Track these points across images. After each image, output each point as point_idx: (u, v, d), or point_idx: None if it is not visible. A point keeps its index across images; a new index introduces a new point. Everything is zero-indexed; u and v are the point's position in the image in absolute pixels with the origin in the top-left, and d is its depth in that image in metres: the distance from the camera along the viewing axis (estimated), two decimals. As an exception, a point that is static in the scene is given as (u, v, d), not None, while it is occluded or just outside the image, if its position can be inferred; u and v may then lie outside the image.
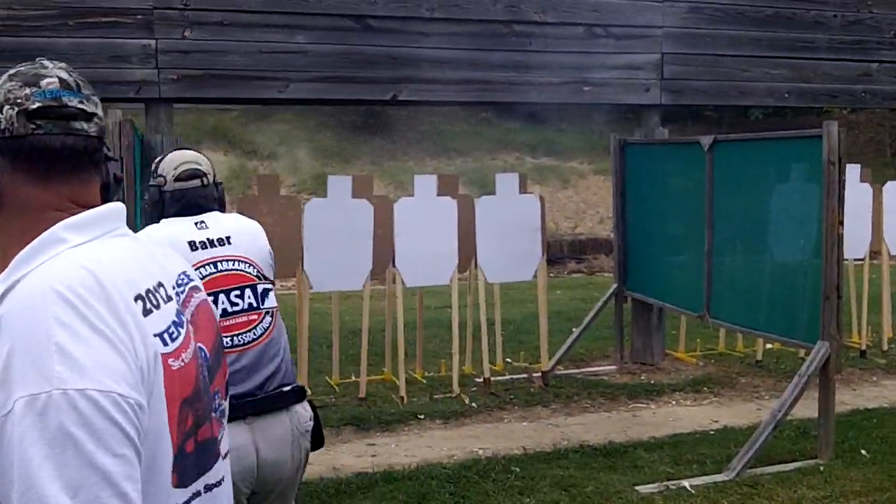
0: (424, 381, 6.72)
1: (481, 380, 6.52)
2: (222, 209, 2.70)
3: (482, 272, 6.48)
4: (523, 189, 6.75)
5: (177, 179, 2.61)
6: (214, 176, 2.69)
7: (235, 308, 2.55)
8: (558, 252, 14.09)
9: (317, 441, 2.69)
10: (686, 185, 6.42)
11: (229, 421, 2.26)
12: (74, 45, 5.75)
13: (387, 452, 5.24)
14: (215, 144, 18.04)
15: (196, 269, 2.37)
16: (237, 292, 2.55)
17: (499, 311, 6.86)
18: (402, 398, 6.10)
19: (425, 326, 7.18)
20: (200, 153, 2.73)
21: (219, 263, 2.55)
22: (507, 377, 6.82)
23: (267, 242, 2.71)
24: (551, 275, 11.12)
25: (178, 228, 2.56)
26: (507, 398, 6.30)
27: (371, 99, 6.73)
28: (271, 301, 2.63)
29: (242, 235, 2.62)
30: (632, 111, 8.08)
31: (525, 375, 6.88)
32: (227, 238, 2.58)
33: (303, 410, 2.63)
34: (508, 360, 7.26)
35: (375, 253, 6.12)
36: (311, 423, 2.64)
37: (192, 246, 2.54)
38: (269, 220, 6.31)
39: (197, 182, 2.62)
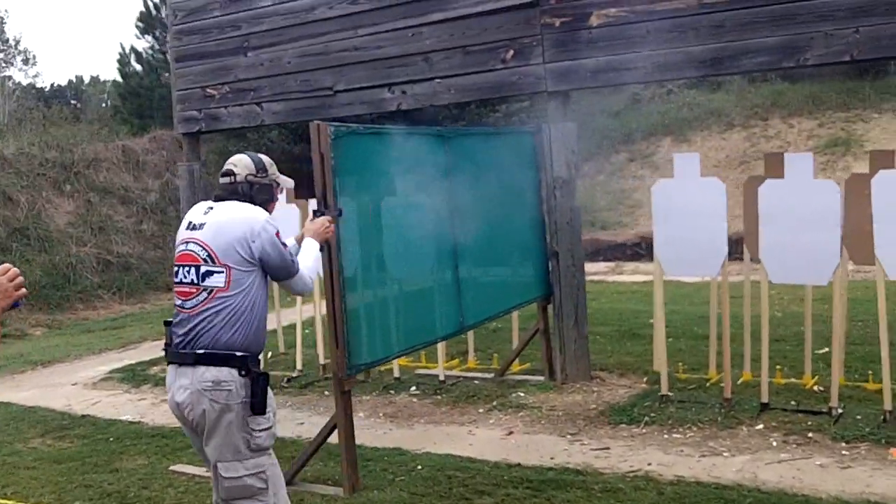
0: None
1: None
2: (244, 200, 3.42)
3: None
4: None
5: (219, 175, 3.54)
6: (253, 174, 3.45)
7: (184, 280, 3.34)
8: None
9: (255, 407, 3.25)
10: None
11: (168, 363, 3.39)
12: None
13: None
14: None
15: (181, 243, 3.38)
16: (187, 268, 3.34)
17: None
18: None
19: None
20: (251, 155, 3.52)
21: (189, 243, 3.36)
22: None
23: (247, 235, 3.29)
24: None
25: (196, 210, 3.47)
26: None
27: None
28: (212, 281, 3.28)
29: (213, 225, 3.33)
30: None
31: None
32: (203, 225, 3.35)
33: (206, 372, 3.23)
34: None
35: None
36: (210, 384, 3.21)
37: (189, 225, 3.41)
38: None
39: (226, 179, 3.48)
